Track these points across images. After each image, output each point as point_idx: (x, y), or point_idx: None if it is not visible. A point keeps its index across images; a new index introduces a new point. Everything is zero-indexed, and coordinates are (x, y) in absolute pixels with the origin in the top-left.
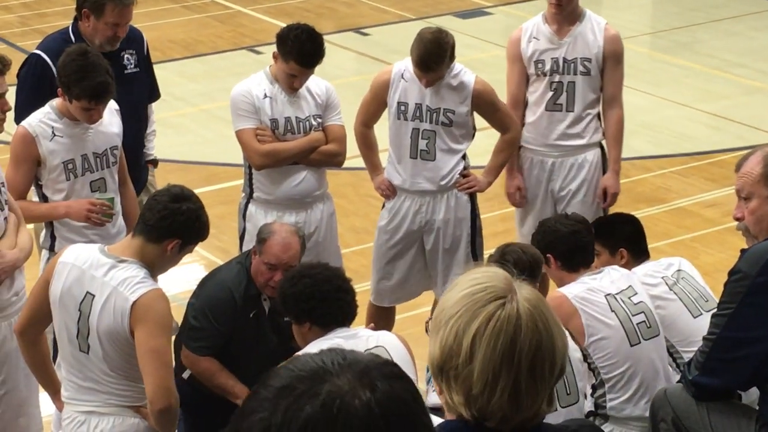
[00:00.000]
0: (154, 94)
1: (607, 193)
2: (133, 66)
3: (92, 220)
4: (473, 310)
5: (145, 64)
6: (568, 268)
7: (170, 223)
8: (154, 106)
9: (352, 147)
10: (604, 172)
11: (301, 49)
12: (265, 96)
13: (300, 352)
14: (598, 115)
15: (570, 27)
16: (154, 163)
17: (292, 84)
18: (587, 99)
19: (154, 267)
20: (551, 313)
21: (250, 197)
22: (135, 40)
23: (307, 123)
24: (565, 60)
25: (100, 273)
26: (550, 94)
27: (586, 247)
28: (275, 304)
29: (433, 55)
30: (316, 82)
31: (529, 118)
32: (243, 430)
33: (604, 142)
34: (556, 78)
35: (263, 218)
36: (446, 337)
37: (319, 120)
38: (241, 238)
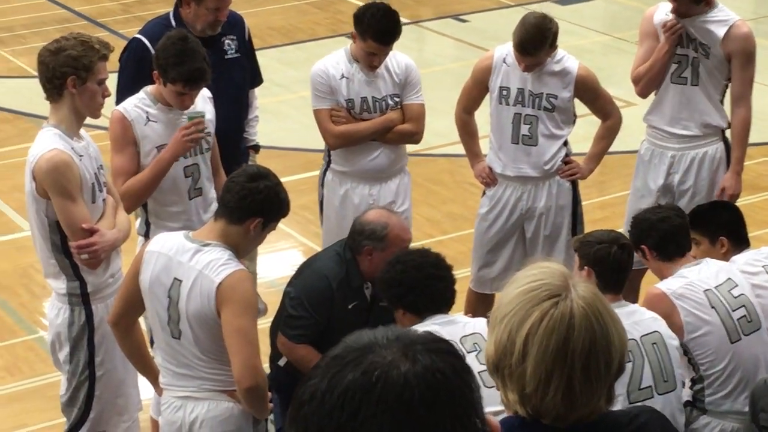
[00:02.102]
0: (256, 79)
1: (725, 194)
2: (233, 51)
3: (195, 141)
4: (527, 308)
5: (246, 49)
6: (663, 258)
7: (250, 203)
8: (256, 92)
9: (448, 133)
10: (727, 167)
11: (377, 27)
12: (342, 77)
13: None
14: (721, 101)
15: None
16: (256, 148)
17: (371, 62)
18: (710, 79)
19: (239, 248)
20: (608, 311)
21: (328, 166)
22: (236, 25)
23: (384, 103)
24: (688, 37)
25: (185, 258)
26: (674, 66)
27: (678, 232)
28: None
29: (533, 40)
30: (397, 60)
31: (658, 95)
32: (299, 395)
33: (728, 135)
34: (681, 51)
35: (338, 186)
36: (500, 335)
37: (397, 99)
38: (321, 204)
